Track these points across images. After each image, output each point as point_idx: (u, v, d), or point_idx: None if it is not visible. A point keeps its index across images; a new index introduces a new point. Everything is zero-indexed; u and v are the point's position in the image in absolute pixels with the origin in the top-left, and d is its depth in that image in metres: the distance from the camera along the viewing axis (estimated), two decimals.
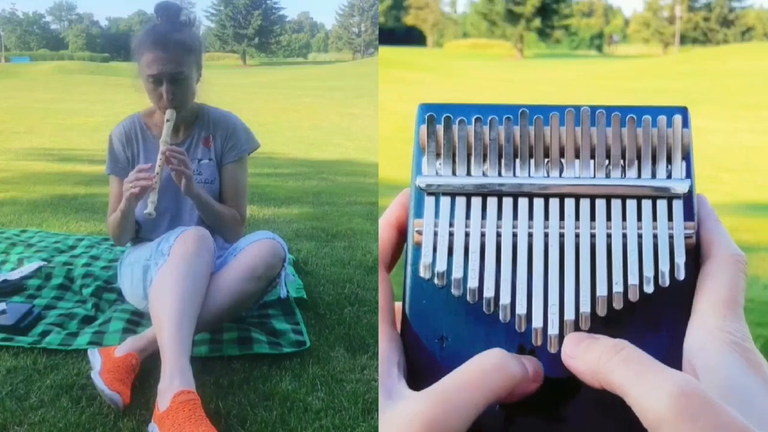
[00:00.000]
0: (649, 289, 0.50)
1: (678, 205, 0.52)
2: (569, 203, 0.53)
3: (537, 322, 0.51)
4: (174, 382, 1.65)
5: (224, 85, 24.41)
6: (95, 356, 1.87)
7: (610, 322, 0.50)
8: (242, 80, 32.81)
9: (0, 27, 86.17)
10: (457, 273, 0.52)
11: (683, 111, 0.55)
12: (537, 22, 55.19)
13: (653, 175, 0.54)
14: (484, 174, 0.55)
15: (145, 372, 1.88)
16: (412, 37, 57.70)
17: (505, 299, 0.51)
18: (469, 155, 0.55)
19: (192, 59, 2.24)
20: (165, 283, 1.90)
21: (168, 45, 2.17)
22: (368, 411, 1.77)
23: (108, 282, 2.67)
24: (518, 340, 0.51)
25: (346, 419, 1.73)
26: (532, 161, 0.55)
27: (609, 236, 0.52)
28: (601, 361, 0.46)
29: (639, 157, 0.54)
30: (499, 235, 0.53)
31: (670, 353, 0.47)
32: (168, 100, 2.19)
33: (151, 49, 2.17)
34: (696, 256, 0.52)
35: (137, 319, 2.29)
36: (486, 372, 0.46)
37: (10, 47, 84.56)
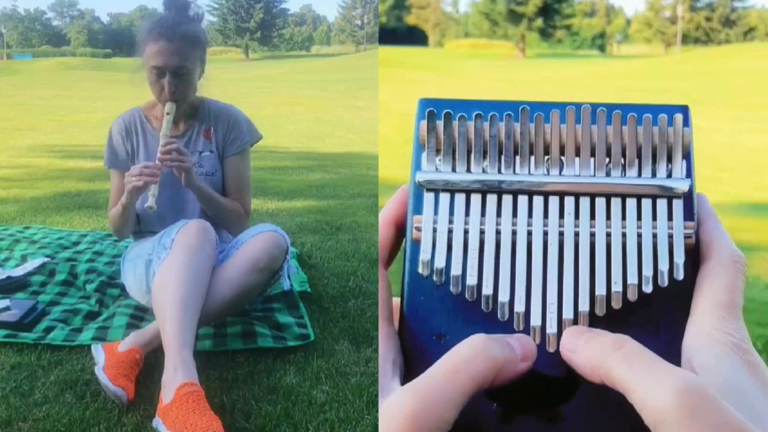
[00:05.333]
0: (648, 288, 0.50)
1: (678, 205, 0.52)
2: (569, 201, 0.53)
3: (535, 321, 0.50)
4: (177, 374, 1.65)
5: (227, 79, 24.39)
6: (99, 352, 1.87)
7: (608, 321, 0.50)
8: (245, 74, 32.81)
9: (2, 24, 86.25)
10: (455, 270, 0.52)
11: (684, 110, 0.54)
12: (539, 22, 55.08)
13: (653, 174, 0.53)
14: (483, 171, 0.54)
15: (149, 367, 1.88)
16: (414, 36, 57.60)
17: (503, 297, 0.51)
18: (469, 152, 0.55)
19: (196, 53, 2.24)
20: (167, 276, 1.90)
21: (174, 37, 2.17)
22: (372, 404, 1.77)
23: (111, 277, 2.67)
24: None
25: (350, 412, 1.72)
26: (533, 158, 0.54)
27: (608, 235, 0.52)
28: (602, 356, 0.45)
29: (639, 156, 0.54)
30: (498, 232, 0.53)
31: (668, 353, 0.47)
32: (170, 93, 2.18)
33: (156, 40, 2.17)
34: (695, 256, 0.52)
35: (141, 315, 2.29)
36: (467, 358, 0.46)
37: (12, 44, 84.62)
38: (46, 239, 3.35)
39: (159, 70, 2.17)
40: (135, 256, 2.31)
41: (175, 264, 1.92)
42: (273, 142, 8.73)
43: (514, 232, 0.53)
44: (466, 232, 0.53)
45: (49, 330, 2.17)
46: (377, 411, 1.72)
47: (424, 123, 0.55)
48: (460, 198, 0.54)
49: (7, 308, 2.25)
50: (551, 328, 0.50)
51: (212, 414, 1.56)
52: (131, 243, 2.44)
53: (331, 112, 16.06)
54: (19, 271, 2.72)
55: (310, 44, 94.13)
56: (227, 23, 70.62)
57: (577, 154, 0.54)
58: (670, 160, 0.53)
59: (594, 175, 0.53)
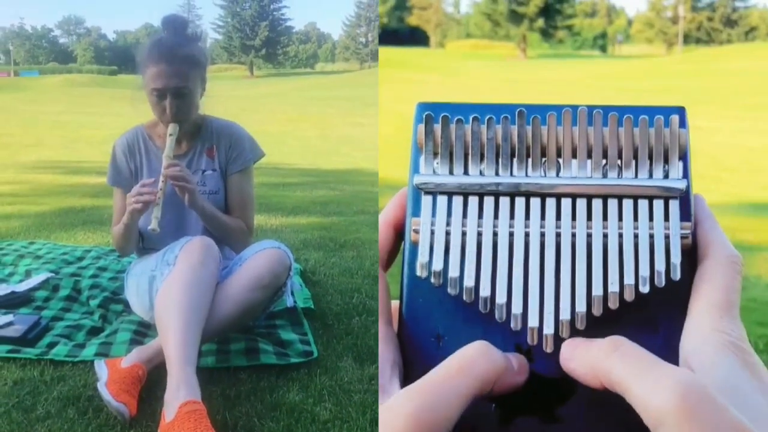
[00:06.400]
0: (645, 289, 0.50)
1: (675, 206, 0.52)
2: (566, 203, 0.53)
3: (533, 322, 0.50)
4: (180, 392, 1.64)
5: (232, 96, 24.53)
6: (101, 367, 1.87)
7: (605, 322, 0.50)
8: (250, 91, 32.98)
9: (9, 41, 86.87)
10: (453, 272, 0.52)
11: (681, 111, 0.55)
12: (540, 23, 55.31)
13: (650, 175, 0.53)
14: (481, 173, 0.55)
15: (151, 383, 1.88)
16: (416, 37, 57.90)
17: (501, 298, 0.51)
18: (466, 154, 0.55)
19: (197, 74, 2.24)
20: (170, 292, 1.89)
21: (173, 59, 2.17)
22: (376, 422, 1.76)
23: (115, 293, 2.66)
24: (514, 340, 0.51)
25: (353, 430, 1.71)
26: (530, 161, 0.54)
27: (605, 236, 0.52)
28: (599, 358, 0.46)
29: (636, 157, 0.54)
30: (495, 234, 0.53)
31: (666, 353, 0.47)
32: (171, 114, 2.19)
33: (156, 63, 2.17)
34: (692, 256, 0.52)
35: (144, 330, 2.28)
36: (470, 361, 0.46)
37: (20, 61, 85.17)
38: (51, 254, 3.35)
39: (160, 92, 2.17)
40: (139, 272, 2.31)
41: (178, 280, 1.92)
42: (278, 159, 8.77)
43: (511, 234, 0.53)
44: (463, 234, 0.53)
45: (52, 345, 2.16)
46: None
47: (421, 126, 0.55)
48: (457, 200, 0.54)
49: (11, 323, 2.25)
50: (549, 328, 0.50)
51: None
52: (135, 259, 2.45)
53: (336, 129, 16.12)
54: (22, 287, 2.72)
55: (314, 61, 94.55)
56: (232, 41, 70.99)
57: (574, 156, 0.54)
58: (666, 161, 0.53)
59: (591, 177, 0.54)
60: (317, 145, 12.63)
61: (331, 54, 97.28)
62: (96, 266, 3.10)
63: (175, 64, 2.17)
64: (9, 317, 2.30)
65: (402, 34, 56.70)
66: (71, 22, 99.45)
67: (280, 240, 2.36)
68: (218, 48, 70.73)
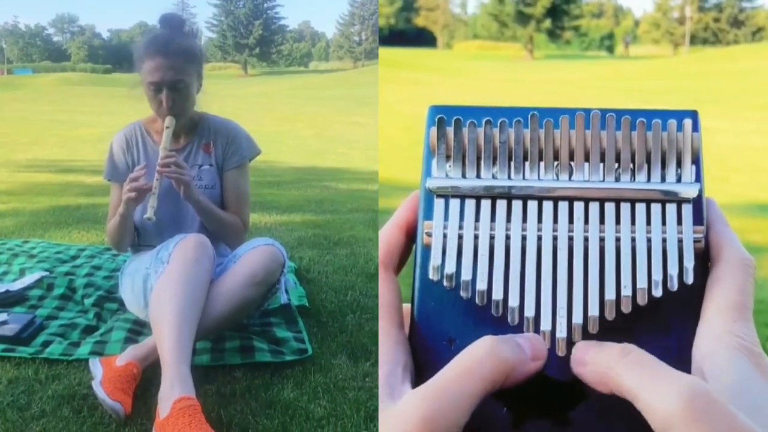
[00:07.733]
0: (657, 293, 0.50)
1: (687, 209, 0.52)
2: (578, 206, 0.53)
3: (545, 326, 0.50)
4: (174, 389, 1.64)
5: (226, 95, 24.49)
6: (96, 366, 1.87)
7: (618, 326, 0.50)
8: (244, 90, 32.93)
9: (2, 39, 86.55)
10: (466, 275, 0.52)
11: (693, 114, 0.55)
12: (547, 23, 55.20)
13: (663, 179, 0.53)
14: (494, 177, 0.55)
15: (146, 381, 1.88)
16: (423, 38, 57.86)
17: (513, 302, 0.51)
18: (479, 158, 0.55)
19: (193, 68, 2.26)
20: (164, 290, 1.90)
21: (170, 52, 2.20)
22: (370, 419, 1.76)
23: (110, 292, 2.66)
24: None
25: (348, 427, 1.72)
26: (542, 164, 0.55)
27: (618, 240, 0.52)
28: (609, 365, 0.46)
29: (649, 161, 0.54)
30: (508, 237, 0.53)
31: (679, 357, 0.47)
32: (168, 107, 2.21)
33: (153, 56, 2.20)
34: (705, 260, 0.52)
35: (139, 329, 2.28)
36: (478, 360, 0.46)
37: (13, 59, 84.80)
38: (45, 253, 3.34)
39: (156, 86, 2.20)
40: (133, 270, 2.31)
41: (172, 278, 1.92)
42: (273, 158, 8.76)
43: (523, 238, 0.53)
44: (476, 237, 0.53)
45: (46, 344, 2.16)
46: (375, 426, 1.72)
47: (434, 129, 0.55)
48: (470, 204, 0.54)
49: (5, 322, 2.25)
50: (561, 332, 0.50)
51: (209, 428, 1.55)
52: (129, 257, 2.45)
53: (332, 128, 16.12)
54: (17, 285, 2.71)
55: (308, 60, 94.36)
56: (226, 39, 70.75)
57: (587, 159, 0.54)
58: (679, 164, 0.54)
59: (604, 181, 0.54)
60: (313, 144, 12.62)
61: (325, 53, 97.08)
62: (90, 265, 3.09)
63: (171, 57, 2.19)
64: (3, 316, 2.29)
65: (409, 34, 56.58)
66: (65, 20, 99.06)
67: (275, 238, 2.37)
68: (212, 46, 70.49)
